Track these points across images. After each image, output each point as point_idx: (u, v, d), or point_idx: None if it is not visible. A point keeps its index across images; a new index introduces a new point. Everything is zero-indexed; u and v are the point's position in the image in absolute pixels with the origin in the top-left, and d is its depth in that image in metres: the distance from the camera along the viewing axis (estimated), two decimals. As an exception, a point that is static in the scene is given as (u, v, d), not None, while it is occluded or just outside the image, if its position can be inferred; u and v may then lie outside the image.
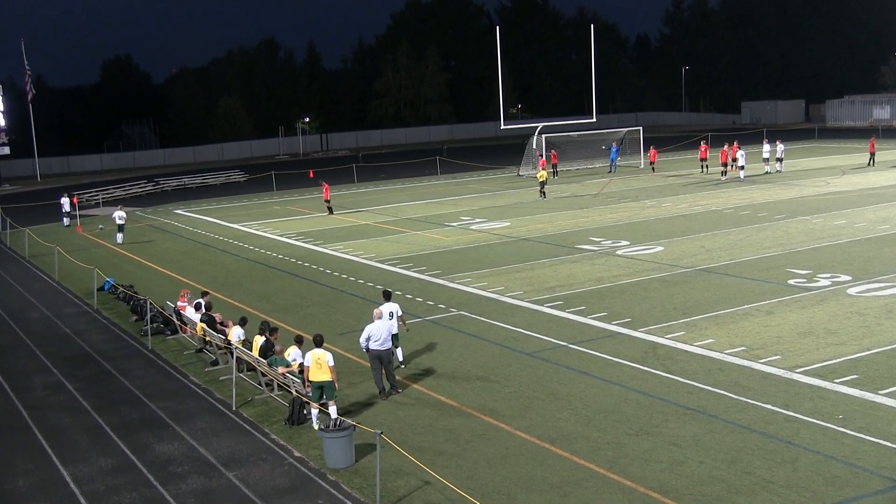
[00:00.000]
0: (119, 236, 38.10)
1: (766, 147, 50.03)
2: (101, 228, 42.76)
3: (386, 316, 17.84)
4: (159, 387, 18.36)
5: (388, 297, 18.77)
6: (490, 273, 27.02)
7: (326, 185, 44.03)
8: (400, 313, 18.28)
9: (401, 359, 18.38)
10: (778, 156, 49.50)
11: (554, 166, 54.42)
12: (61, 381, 19.15)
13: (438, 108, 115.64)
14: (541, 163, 50.92)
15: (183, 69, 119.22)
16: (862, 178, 44.82)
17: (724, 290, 23.08)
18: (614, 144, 57.29)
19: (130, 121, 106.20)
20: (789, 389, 15.66)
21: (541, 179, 44.78)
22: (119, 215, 38.47)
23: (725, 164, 48.26)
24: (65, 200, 46.15)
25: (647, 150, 57.04)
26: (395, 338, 17.99)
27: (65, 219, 45.60)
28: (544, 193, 44.23)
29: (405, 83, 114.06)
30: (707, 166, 51.09)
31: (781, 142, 51.28)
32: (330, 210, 43.12)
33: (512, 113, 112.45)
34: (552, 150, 55.56)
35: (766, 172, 49.02)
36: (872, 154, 50.81)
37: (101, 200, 54.64)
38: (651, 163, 54.53)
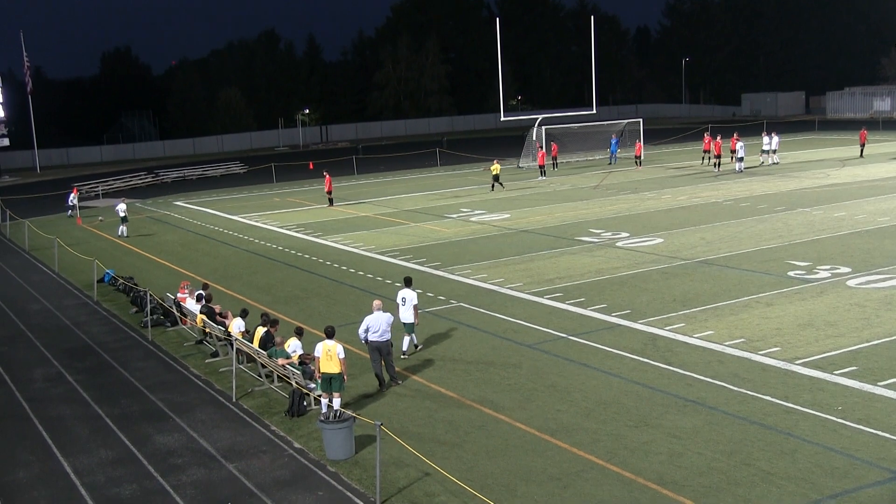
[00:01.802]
0: (121, 229, 37.89)
1: (766, 139, 50.01)
2: (101, 220, 42.68)
3: (399, 301, 17.91)
4: (159, 378, 18.38)
5: (408, 283, 18.73)
6: (490, 265, 27.02)
7: (329, 177, 44.03)
8: (415, 302, 18.13)
9: (404, 348, 18.26)
10: (773, 147, 49.49)
11: (554, 159, 54.30)
12: (61, 373, 19.17)
13: (438, 99, 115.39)
14: (540, 155, 50.91)
15: (183, 61, 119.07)
16: (861, 170, 44.78)
17: (723, 281, 23.09)
18: (614, 136, 57.13)
19: (130, 112, 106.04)
20: (788, 381, 15.68)
21: (494, 173, 44.92)
22: (121, 207, 38.37)
23: (719, 156, 48.25)
24: (72, 195, 45.88)
25: (646, 142, 56.79)
26: (407, 326, 18.03)
27: (69, 211, 45.21)
28: (502, 185, 44.64)
29: (405, 75, 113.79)
30: (709, 158, 50.86)
31: (776, 134, 51.21)
32: (330, 202, 43.13)
33: (512, 105, 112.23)
34: (552, 143, 55.44)
35: (762, 164, 48.99)
36: (863, 145, 50.73)
37: (101, 192, 54.62)
38: (636, 156, 53.37)
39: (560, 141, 57.41)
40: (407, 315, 18.01)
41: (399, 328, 18.02)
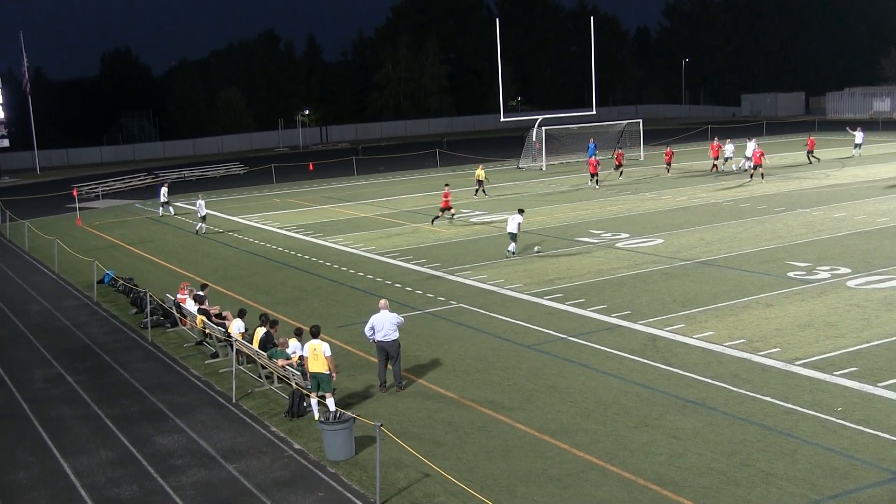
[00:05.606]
0: (203, 227, 37.30)
1: (749, 144, 49.58)
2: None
3: (510, 219, 26.83)
4: (159, 379, 18.38)
5: (521, 212, 27.81)
6: (490, 266, 27.01)
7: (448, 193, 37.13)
8: (520, 221, 27.49)
9: (511, 250, 27.56)
10: (727, 155, 48.71)
11: (618, 166, 48.57)
12: (61, 374, 19.17)
13: (438, 99, 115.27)
14: (591, 162, 47.58)
15: (182, 61, 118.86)
16: (861, 171, 44.80)
17: (723, 282, 23.09)
18: (591, 140, 56.15)
19: (130, 113, 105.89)
20: (788, 382, 15.69)
21: (479, 178, 43.31)
22: (201, 204, 37.81)
23: (723, 160, 48.02)
24: (164, 190, 44.86)
25: (646, 142, 56.20)
26: (514, 236, 27.39)
27: (160, 209, 44.14)
28: (481, 191, 43.28)
29: (405, 75, 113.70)
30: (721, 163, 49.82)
31: (731, 141, 50.37)
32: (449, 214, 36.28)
33: (512, 105, 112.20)
34: (618, 151, 51.30)
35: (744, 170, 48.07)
36: (811, 152, 49.58)
37: (100, 193, 54.60)
38: (667, 163, 49.08)
39: (560, 141, 56.79)
40: (513, 226, 27.23)
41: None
